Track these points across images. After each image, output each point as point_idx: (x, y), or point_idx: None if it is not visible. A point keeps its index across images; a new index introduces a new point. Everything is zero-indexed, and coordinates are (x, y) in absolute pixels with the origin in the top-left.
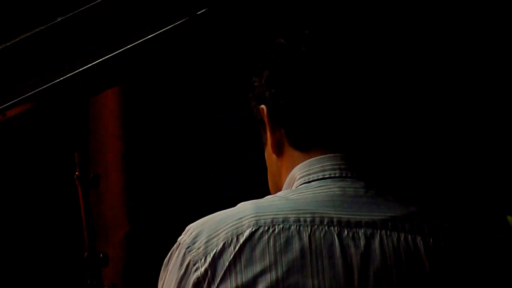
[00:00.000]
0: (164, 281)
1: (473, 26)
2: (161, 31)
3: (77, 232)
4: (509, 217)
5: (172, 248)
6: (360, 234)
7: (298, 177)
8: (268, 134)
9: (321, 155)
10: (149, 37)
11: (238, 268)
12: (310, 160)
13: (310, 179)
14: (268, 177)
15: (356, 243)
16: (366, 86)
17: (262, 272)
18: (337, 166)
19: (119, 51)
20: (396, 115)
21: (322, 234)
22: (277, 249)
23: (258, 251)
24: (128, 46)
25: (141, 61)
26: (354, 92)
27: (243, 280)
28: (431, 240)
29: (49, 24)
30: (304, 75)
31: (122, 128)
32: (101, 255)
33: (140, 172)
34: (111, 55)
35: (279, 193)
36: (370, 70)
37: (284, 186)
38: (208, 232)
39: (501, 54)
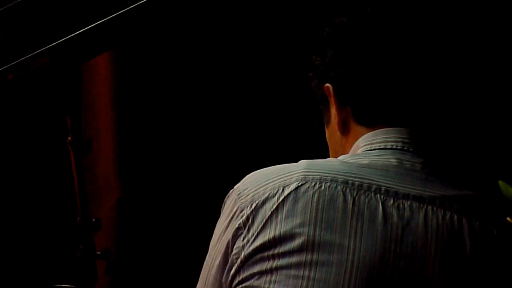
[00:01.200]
0: (219, 222)
1: None
2: None
3: (69, 197)
4: (500, 182)
5: (228, 193)
6: (406, 205)
7: (361, 145)
8: (334, 112)
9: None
10: (142, 2)
11: (278, 219)
12: (376, 131)
13: (372, 148)
14: (332, 155)
15: (400, 213)
16: (430, 63)
17: (301, 225)
18: (400, 139)
19: (111, 16)
20: (460, 96)
21: (367, 200)
22: (320, 205)
23: (300, 204)
24: (120, 12)
25: (133, 27)
26: (419, 70)
27: (281, 230)
28: (477, 224)
29: None
30: (369, 53)
31: (114, 93)
32: (93, 219)
33: (132, 138)
34: (103, 20)
35: (340, 157)
36: (434, 48)
37: (350, 153)
38: (259, 181)
39: None
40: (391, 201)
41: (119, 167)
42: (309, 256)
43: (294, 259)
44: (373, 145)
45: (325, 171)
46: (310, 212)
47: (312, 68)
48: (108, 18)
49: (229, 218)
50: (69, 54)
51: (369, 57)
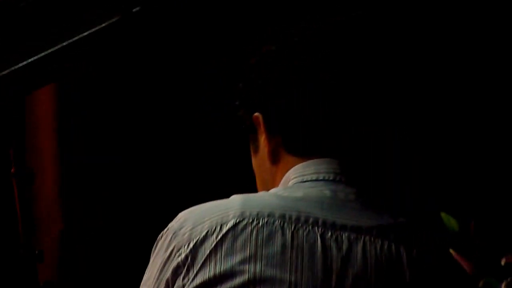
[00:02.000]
0: (151, 262)
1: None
2: (96, 28)
3: (12, 228)
4: (443, 214)
5: (162, 232)
6: (343, 237)
7: (292, 177)
8: (263, 141)
9: (318, 159)
10: (84, 34)
11: (218, 257)
12: (306, 162)
13: (304, 180)
14: (259, 186)
15: (338, 245)
16: (359, 94)
17: (241, 263)
18: (331, 170)
19: (53, 48)
20: (393, 124)
21: (305, 233)
22: (259, 242)
23: (239, 241)
24: (64, 44)
25: (75, 59)
26: (347, 100)
27: (222, 268)
28: (414, 251)
29: None
30: (298, 83)
31: (57, 124)
32: (36, 251)
33: (75, 169)
34: (45, 52)
35: (271, 190)
36: (364, 78)
37: (279, 186)
38: (195, 219)
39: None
40: (329, 234)
41: (61, 199)
42: None
43: None
44: (304, 177)
45: (261, 207)
46: (250, 249)
47: (239, 96)
48: (50, 50)
49: (165, 257)
50: (11, 87)
51: (298, 87)
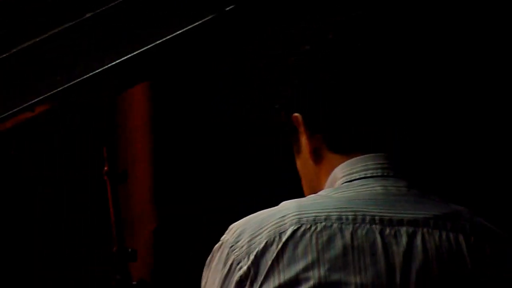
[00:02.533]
0: (207, 279)
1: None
2: (189, 27)
3: (106, 227)
4: None
5: (215, 247)
6: (402, 232)
7: (340, 176)
8: (305, 142)
9: (362, 155)
10: (177, 33)
11: (281, 266)
12: (352, 160)
13: (352, 178)
14: (305, 186)
15: (398, 240)
16: (402, 86)
17: (305, 270)
18: (379, 165)
19: (147, 47)
20: (436, 115)
21: (364, 232)
22: (320, 247)
23: (300, 248)
24: (157, 42)
25: (169, 58)
26: (387, 94)
27: (286, 277)
28: (472, 238)
29: (78, 20)
30: (336, 80)
31: (150, 123)
32: (129, 250)
33: (168, 168)
34: (139, 51)
35: (321, 192)
36: (405, 69)
37: (326, 185)
38: (251, 231)
39: None
40: (388, 230)
41: (155, 197)
42: None
43: None
44: (352, 175)
45: (316, 211)
46: (311, 254)
47: (278, 99)
48: (143, 49)
49: (225, 272)
50: (105, 85)
51: (336, 84)
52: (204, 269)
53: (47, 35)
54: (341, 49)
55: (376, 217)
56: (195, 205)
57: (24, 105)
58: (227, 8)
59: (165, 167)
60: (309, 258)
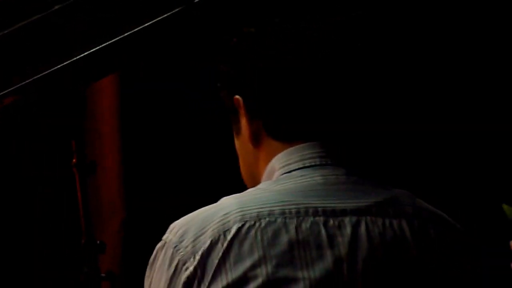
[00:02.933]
0: (151, 280)
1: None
2: (157, 19)
3: (74, 219)
4: (504, 206)
5: (157, 247)
6: (346, 222)
7: (278, 167)
8: (244, 124)
9: (300, 143)
10: (146, 25)
11: (227, 265)
12: (288, 149)
13: (291, 169)
14: (243, 168)
15: (342, 231)
16: (343, 74)
17: (252, 268)
18: (316, 154)
19: (116, 39)
20: (373, 102)
21: (308, 225)
22: (265, 243)
23: (246, 246)
24: (125, 34)
25: (137, 49)
26: (331, 81)
27: (234, 276)
28: (416, 222)
29: (46, 12)
30: (278, 66)
31: (118, 114)
32: (98, 242)
33: (136, 159)
34: (107, 43)
35: (260, 186)
36: (348, 58)
37: (264, 177)
38: (195, 230)
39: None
40: (331, 221)
41: (123, 189)
42: None
43: None
44: (290, 166)
45: (259, 206)
46: (258, 252)
47: (220, 78)
48: (111, 41)
49: (170, 273)
50: (72, 78)
51: (278, 69)
52: (147, 269)
53: (14, 27)
54: (286, 35)
55: (319, 209)
56: (164, 197)
57: None
58: (196, 0)
59: (135, 158)
60: (256, 256)
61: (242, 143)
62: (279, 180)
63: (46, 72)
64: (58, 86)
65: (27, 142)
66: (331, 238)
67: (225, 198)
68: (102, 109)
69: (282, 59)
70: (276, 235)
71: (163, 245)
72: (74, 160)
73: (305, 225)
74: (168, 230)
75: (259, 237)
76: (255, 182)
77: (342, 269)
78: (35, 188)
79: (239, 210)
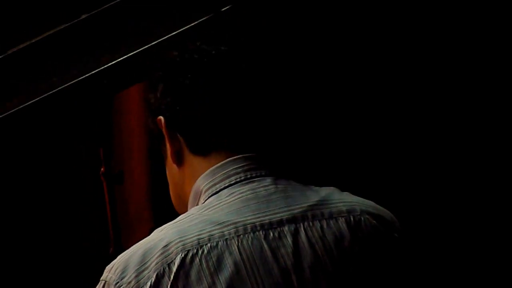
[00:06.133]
0: None
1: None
2: (185, 27)
3: (102, 227)
4: None
5: (98, 286)
6: (285, 232)
7: (204, 189)
8: (167, 144)
9: (222, 159)
10: (174, 33)
11: None
12: (212, 168)
13: (218, 189)
14: (171, 191)
15: (284, 242)
16: (258, 86)
17: None
18: (240, 169)
19: (143, 47)
20: (292, 110)
21: (250, 242)
22: (212, 270)
23: (193, 276)
24: (153, 43)
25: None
26: (246, 93)
27: None
28: (351, 218)
29: (73, 21)
30: (197, 79)
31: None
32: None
33: (164, 169)
34: (135, 51)
35: (192, 211)
36: (264, 71)
37: (190, 200)
38: (136, 266)
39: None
40: (271, 234)
41: (151, 198)
42: None
43: None
44: (216, 186)
45: (197, 233)
46: (206, 280)
47: (147, 106)
48: (139, 49)
49: None
50: (100, 86)
51: (197, 86)
52: None
53: (42, 36)
54: (203, 52)
55: (257, 224)
56: None
57: (21, 106)
58: (223, 9)
59: (162, 167)
60: (205, 283)
61: (168, 166)
62: (210, 203)
63: (75, 80)
64: (85, 95)
65: (55, 149)
66: (274, 251)
67: (159, 229)
68: (130, 118)
69: (200, 75)
70: (220, 259)
71: (103, 285)
72: (102, 169)
73: (247, 243)
74: (106, 270)
75: (204, 265)
76: (184, 205)
77: (292, 281)
78: (64, 197)
79: (178, 240)
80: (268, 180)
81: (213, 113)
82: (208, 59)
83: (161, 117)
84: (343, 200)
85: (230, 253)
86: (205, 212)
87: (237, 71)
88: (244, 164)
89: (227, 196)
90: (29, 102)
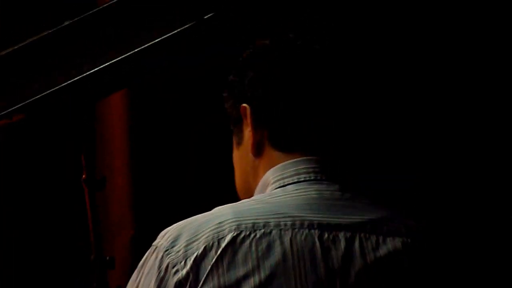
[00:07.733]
0: (138, 285)
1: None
2: (168, 35)
3: (83, 235)
4: None
5: (147, 252)
6: (340, 236)
7: (272, 181)
8: (248, 134)
9: (297, 157)
10: (156, 41)
11: (220, 272)
12: (285, 163)
13: (285, 183)
14: (239, 178)
15: (336, 245)
16: (349, 92)
17: (245, 277)
18: (311, 169)
19: (126, 55)
20: (376, 122)
21: (303, 237)
22: (259, 254)
23: (240, 255)
24: (135, 50)
25: (147, 65)
26: (337, 97)
27: (226, 283)
28: (409, 240)
29: (56, 28)
30: (290, 79)
31: (129, 130)
32: (107, 258)
33: (146, 175)
34: (118, 58)
35: (255, 197)
36: (356, 75)
37: (257, 190)
38: (188, 236)
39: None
40: (326, 235)
41: (133, 205)
42: None
43: None
44: (285, 180)
45: (254, 217)
46: (252, 262)
47: (228, 88)
48: (121, 57)
49: (161, 274)
50: (82, 93)
51: (290, 82)
52: (135, 273)
53: (25, 43)
54: (300, 50)
55: (314, 222)
56: (173, 214)
57: (2, 113)
58: (206, 16)
59: (144, 174)
60: (249, 265)
61: (241, 153)
62: (275, 193)
63: (56, 87)
64: (67, 102)
65: (36, 156)
66: (325, 251)
67: (219, 207)
68: (112, 125)
69: (293, 71)
70: (270, 246)
71: (153, 250)
72: (83, 176)
73: (300, 237)
74: (159, 236)
75: (253, 248)
76: (249, 193)
77: (335, 283)
78: (45, 203)
79: (234, 219)
80: (336, 186)
81: (302, 111)
82: (304, 58)
83: (247, 106)
84: (405, 223)
85: (281, 243)
86: (268, 200)
87: (330, 74)
88: (316, 166)
89: (292, 191)
90: (11, 109)
